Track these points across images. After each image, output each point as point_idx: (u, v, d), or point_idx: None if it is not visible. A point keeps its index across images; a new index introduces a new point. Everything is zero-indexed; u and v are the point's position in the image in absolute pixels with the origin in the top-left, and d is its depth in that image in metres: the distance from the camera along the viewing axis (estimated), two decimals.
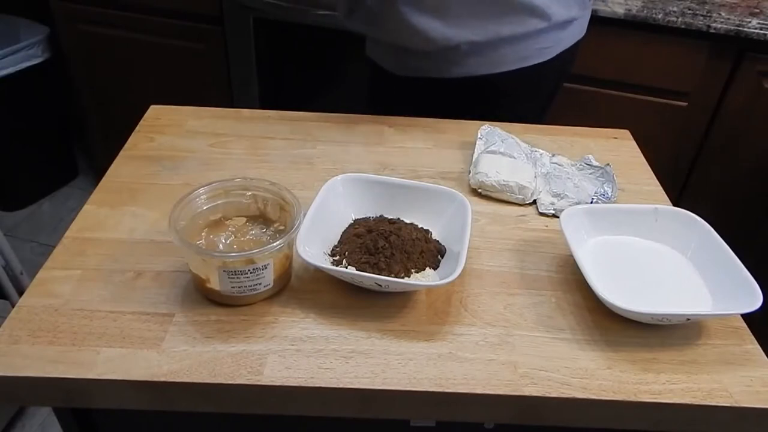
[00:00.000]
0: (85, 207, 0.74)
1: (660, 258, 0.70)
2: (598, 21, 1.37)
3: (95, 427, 0.66)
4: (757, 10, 1.41)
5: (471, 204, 0.70)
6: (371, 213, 0.72)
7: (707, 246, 0.68)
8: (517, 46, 0.94)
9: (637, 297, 0.64)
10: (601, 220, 0.72)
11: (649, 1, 1.40)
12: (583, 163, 0.85)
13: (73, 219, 0.72)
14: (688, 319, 0.63)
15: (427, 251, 0.67)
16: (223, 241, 0.64)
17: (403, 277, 0.64)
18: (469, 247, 0.64)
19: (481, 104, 1.01)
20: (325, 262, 0.65)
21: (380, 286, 0.62)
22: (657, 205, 0.73)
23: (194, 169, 0.81)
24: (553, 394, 0.56)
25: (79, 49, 1.82)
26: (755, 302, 0.59)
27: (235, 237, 0.65)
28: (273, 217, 0.67)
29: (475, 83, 0.97)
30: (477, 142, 0.86)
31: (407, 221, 0.70)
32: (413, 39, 0.92)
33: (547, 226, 0.76)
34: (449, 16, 0.90)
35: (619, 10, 1.37)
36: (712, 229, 0.69)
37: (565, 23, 0.97)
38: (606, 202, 0.79)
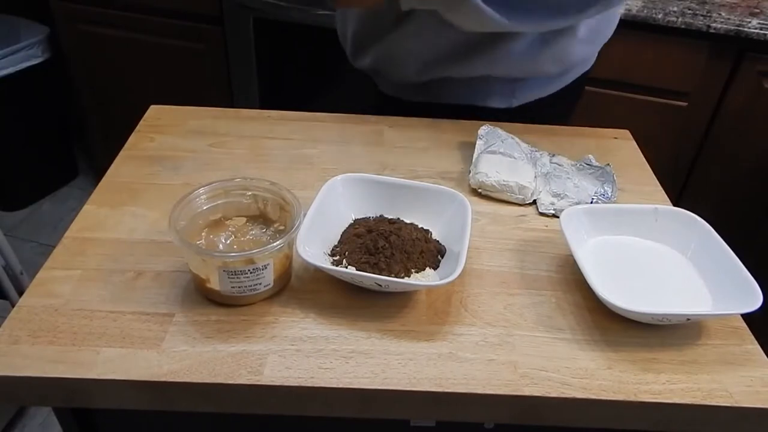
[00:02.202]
0: (85, 207, 0.74)
1: (660, 258, 0.70)
2: None
3: (95, 427, 0.66)
4: (757, 10, 1.41)
5: (471, 204, 0.70)
6: (371, 213, 0.72)
7: (707, 246, 0.68)
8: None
9: (637, 297, 0.64)
10: (601, 220, 0.72)
11: (649, 1, 1.40)
12: (583, 163, 0.85)
13: (73, 219, 0.72)
14: (689, 319, 0.63)
15: (427, 251, 0.67)
16: (223, 241, 0.64)
17: (403, 277, 0.64)
18: (469, 247, 0.64)
19: None
20: (325, 262, 0.65)
21: (380, 286, 0.62)
22: (657, 205, 0.73)
23: (194, 169, 0.81)
24: (553, 394, 0.56)
25: (79, 49, 1.82)
26: (755, 302, 0.59)
27: (235, 237, 0.65)
28: (273, 217, 0.67)
29: None
30: (477, 142, 0.86)
31: (407, 221, 0.70)
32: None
33: (547, 226, 0.76)
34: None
35: (619, 10, 1.37)
36: (712, 229, 0.69)
37: None
38: (606, 202, 0.79)
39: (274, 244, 0.59)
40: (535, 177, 0.81)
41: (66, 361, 0.56)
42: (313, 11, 1.53)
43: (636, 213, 0.73)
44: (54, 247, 0.67)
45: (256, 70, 1.72)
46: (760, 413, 0.57)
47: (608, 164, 0.84)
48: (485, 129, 0.88)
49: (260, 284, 0.61)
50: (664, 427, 0.59)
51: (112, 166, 0.81)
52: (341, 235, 0.69)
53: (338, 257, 0.66)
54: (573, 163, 0.86)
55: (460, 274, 0.60)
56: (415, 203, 0.72)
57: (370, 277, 0.61)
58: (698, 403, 0.56)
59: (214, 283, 0.60)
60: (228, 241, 0.64)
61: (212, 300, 0.62)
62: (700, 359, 0.60)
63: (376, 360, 0.58)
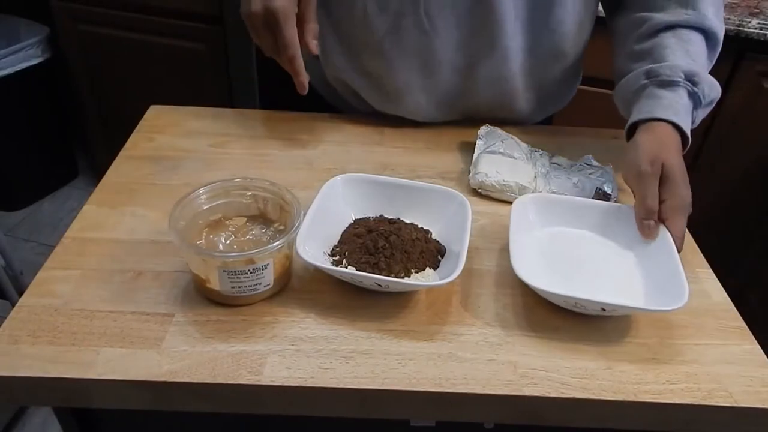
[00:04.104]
0: (85, 207, 0.74)
1: (604, 252, 0.70)
2: (598, 21, 1.37)
3: (95, 427, 0.66)
4: (757, 10, 1.41)
5: (471, 204, 0.70)
6: (371, 213, 0.72)
7: (655, 245, 0.68)
8: None
9: (573, 287, 0.62)
10: (549, 212, 0.73)
11: None
12: (583, 163, 0.85)
13: (73, 219, 0.72)
14: (604, 309, 0.61)
15: (427, 251, 0.67)
16: (223, 241, 0.64)
17: (403, 277, 0.64)
18: (469, 247, 0.64)
19: None
20: (325, 262, 0.65)
21: (380, 286, 0.62)
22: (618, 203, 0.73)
23: (194, 169, 0.81)
24: (553, 394, 0.56)
25: (79, 49, 1.82)
26: (679, 301, 0.59)
27: (235, 237, 0.65)
28: (273, 217, 0.67)
29: None
30: (477, 142, 0.86)
31: (407, 221, 0.70)
32: None
33: None
34: None
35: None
36: (665, 229, 0.68)
37: None
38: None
39: (274, 244, 0.59)
40: (535, 177, 0.81)
41: (66, 361, 0.56)
42: None
43: (587, 207, 0.74)
44: (54, 247, 0.67)
45: (256, 70, 1.72)
46: (760, 413, 0.57)
47: (608, 164, 0.84)
48: (485, 129, 0.89)
49: (260, 284, 0.61)
50: (664, 427, 0.59)
51: (112, 166, 0.81)
52: (341, 235, 0.69)
53: (338, 257, 0.66)
54: (573, 163, 0.86)
55: (460, 274, 0.60)
56: (415, 203, 0.72)
57: (370, 277, 0.61)
58: (698, 403, 0.56)
59: (214, 283, 0.60)
60: (228, 241, 0.64)
61: (212, 300, 0.62)
62: (700, 359, 0.60)
63: (376, 360, 0.58)
